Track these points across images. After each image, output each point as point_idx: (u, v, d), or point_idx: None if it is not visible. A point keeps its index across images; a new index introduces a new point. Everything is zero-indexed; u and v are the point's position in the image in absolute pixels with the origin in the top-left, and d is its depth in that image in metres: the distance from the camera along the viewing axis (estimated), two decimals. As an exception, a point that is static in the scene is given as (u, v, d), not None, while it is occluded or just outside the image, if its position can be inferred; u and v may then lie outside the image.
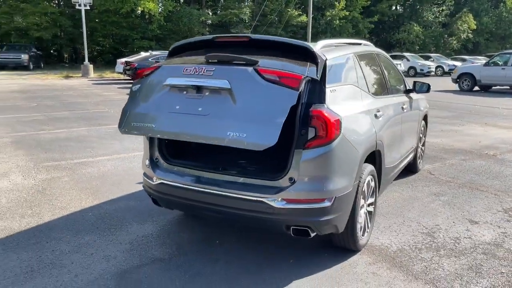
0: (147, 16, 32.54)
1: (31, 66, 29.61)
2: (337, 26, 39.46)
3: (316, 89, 3.02)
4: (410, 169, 5.83)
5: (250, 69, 2.98)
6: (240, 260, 3.44)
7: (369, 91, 3.83)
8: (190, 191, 3.26)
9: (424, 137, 6.19)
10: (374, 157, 3.79)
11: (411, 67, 31.50)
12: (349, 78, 3.55)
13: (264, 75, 2.93)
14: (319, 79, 3.01)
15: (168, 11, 33.72)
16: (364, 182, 3.45)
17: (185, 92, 3.13)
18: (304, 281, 3.13)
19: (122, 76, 22.80)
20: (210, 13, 39.76)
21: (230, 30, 35.22)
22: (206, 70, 3.08)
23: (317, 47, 3.39)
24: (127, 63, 21.99)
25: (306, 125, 2.93)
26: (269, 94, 2.90)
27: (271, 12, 35.83)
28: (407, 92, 5.19)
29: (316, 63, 3.07)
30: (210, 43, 3.51)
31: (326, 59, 3.20)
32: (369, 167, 3.55)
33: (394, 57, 32.85)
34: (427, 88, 5.25)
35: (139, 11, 31.58)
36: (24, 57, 29.31)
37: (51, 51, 38.00)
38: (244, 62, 3.06)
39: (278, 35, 34.08)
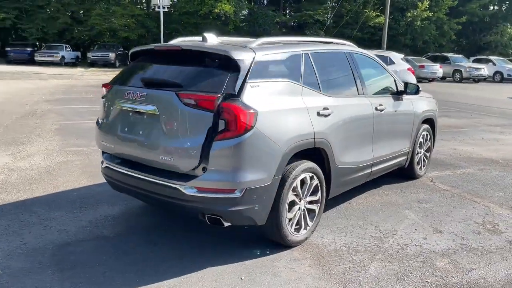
0: (223, 18, 33.70)
1: (117, 64, 32.21)
2: (419, 27, 37.58)
3: (232, 84, 3.13)
4: (408, 174, 5.60)
5: (172, 94, 3.19)
6: (175, 246, 3.64)
7: (320, 89, 3.83)
8: (126, 176, 3.54)
9: (430, 142, 5.88)
10: (320, 155, 3.78)
11: (497, 72, 29.20)
12: (287, 74, 3.59)
13: (184, 100, 3.13)
14: (236, 92, 3.10)
15: (244, 13, 34.66)
16: (297, 178, 3.48)
17: (131, 114, 3.46)
18: (218, 268, 3.25)
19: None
20: (288, 15, 40.07)
21: (305, 31, 35.20)
22: (140, 95, 3.39)
23: (254, 44, 3.51)
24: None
25: (218, 117, 3.06)
26: (189, 118, 3.14)
27: (348, 13, 35.19)
28: (398, 93, 5.02)
29: (238, 70, 3.19)
30: (153, 51, 3.78)
31: (255, 56, 3.31)
32: (306, 164, 3.57)
33: (478, 60, 30.70)
34: (415, 90, 5.04)
35: (219, 13, 32.75)
36: (111, 55, 32.09)
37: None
38: (170, 84, 3.32)
39: (353, 36, 33.38)
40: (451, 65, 28.75)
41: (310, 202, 3.75)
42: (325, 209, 4.45)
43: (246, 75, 3.19)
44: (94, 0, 36.76)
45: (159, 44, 3.87)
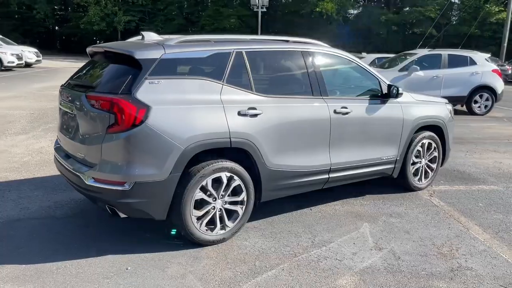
0: (324, 17, 33.27)
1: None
2: (554, 24, 32.69)
3: (130, 80, 3.25)
4: (403, 185, 5.11)
5: (82, 96, 3.42)
6: (103, 229, 3.90)
7: (251, 89, 3.72)
8: (60, 165, 3.88)
9: (437, 152, 5.25)
10: (246, 155, 3.69)
11: None
12: (204, 72, 3.57)
13: (90, 101, 3.34)
14: (131, 89, 3.21)
15: (351, 12, 33.83)
16: (206, 177, 3.46)
17: (67, 113, 3.80)
18: (117, 256, 3.39)
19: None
20: (399, 13, 37.99)
21: (413, 29, 33.12)
22: (68, 96, 3.72)
23: (172, 42, 3.57)
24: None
25: (109, 111, 3.21)
26: (94, 118, 3.35)
27: (465, 8, 32.17)
28: (381, 97, 4.63)
29: (140, 68, 3.30)
30: (91, 51, 4.05)
31: (163, 54, 3.39)
32: (220, 164, 3.52)
33: None
34: (395, 93, 4.57)
35: (322, 12, 32.47)
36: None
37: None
38: (85, 86, 3.59)
39: (470, 34, 30.38)
40: None
41: (232, 203, 3.69)
42: (278, 212, 4.36)
43: (147, 72, 3.28)
44: (206, 2, 39.13)
45: (96, 45, 4.11)
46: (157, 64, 3.34)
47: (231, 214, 3.72)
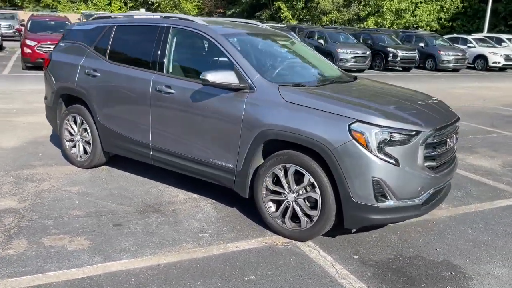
0: None
1: None
2: None
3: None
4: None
5: None
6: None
7: (105, 55, 4.56)
8: None
9: (318, 193, 3.19)
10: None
11: None
12: (85, 40, 4.83)
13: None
14: (53, 48, 5.19)
15: None
16: (68, 115, 4.92)
17: None
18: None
19: None
20: None
21: None
22: None
23: (90, 19, 5.06)
24: None
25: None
26: None
27: None
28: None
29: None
30: None
31: (72, 26, 5.13)
32: (72, 107, 4.87)
33: None
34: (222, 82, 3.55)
35: None
36: None
37: None
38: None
39: None
40: None
41: (85, 142, 4.86)
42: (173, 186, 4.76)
43: (62, 39, 5.12)
44: None
45: None
46: (67, 34, 5.11)
47: (86, 145, 4.87)
